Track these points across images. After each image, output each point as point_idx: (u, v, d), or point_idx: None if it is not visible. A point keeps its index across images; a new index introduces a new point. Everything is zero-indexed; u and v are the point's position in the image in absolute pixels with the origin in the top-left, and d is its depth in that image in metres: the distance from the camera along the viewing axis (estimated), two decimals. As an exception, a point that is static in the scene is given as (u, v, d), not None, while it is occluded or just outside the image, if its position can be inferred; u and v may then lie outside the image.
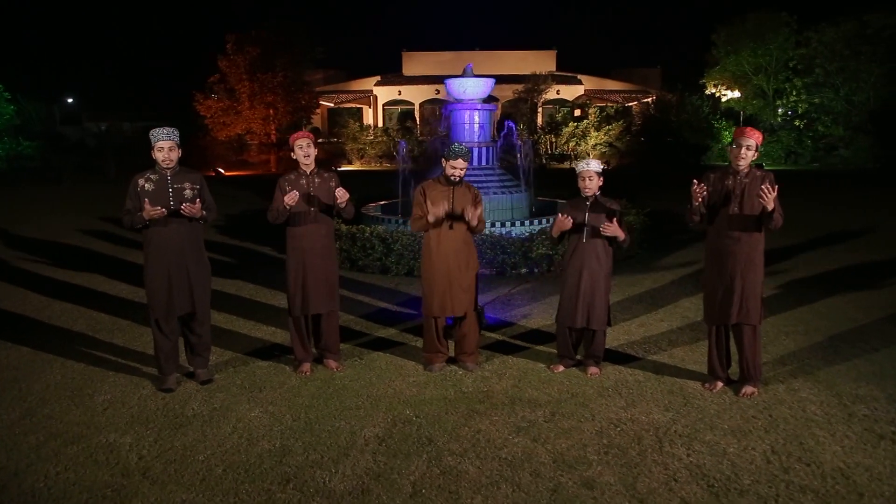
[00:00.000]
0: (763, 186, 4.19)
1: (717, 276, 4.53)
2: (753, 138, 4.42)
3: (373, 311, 6.72)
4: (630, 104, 34.86)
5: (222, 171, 24.73)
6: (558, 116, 31.42)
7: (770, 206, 4.19)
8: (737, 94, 31.94)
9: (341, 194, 4.74)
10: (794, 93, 27.86)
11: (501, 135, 10.00)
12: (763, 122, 31.37)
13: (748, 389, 4.56)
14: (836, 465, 3.64)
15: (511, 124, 9.98)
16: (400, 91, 37.04)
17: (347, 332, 5.85)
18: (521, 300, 7.12)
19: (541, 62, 36.66)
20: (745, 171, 4.43)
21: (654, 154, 28.89)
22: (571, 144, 30.24)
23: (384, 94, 37.35)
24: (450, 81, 10.32)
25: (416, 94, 37.00)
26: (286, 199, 4.67)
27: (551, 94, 33.80)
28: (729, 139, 30.09)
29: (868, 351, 5.40)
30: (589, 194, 4.87)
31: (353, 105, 37.44)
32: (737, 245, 4.42)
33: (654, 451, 3.81)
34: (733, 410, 4.32)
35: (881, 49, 25.43)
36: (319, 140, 31.94)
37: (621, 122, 30.35)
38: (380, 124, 35.42)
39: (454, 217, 4.84)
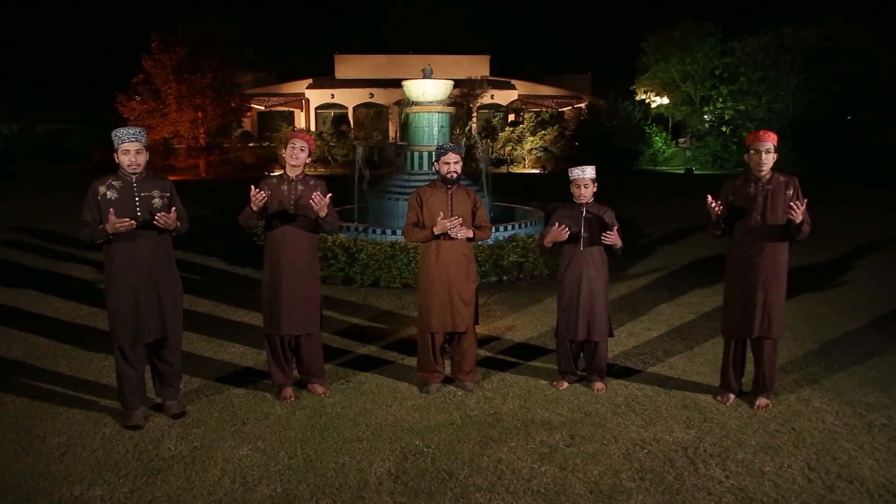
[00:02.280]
0: (793, 203, 4.03)
1: (739, 289, 4.34)
2: (770, 140, 4.25)
3: (346, 326, 6.26)
4: (563, 109, 35.36)
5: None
6: (494, 121, 31.50)
7: (799, 219, 4.03)
8: (666, 100, 32.89)
9: (318, 200, 4.24)
10: (721, 100, 28.86)
11: (464, 138, 9.68)
12: (691, 128, 32.47)
13: (762, 402, 4.41)
14: (878, 481, 3.49)
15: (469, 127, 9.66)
16: (333, 94, 36.28)
17: (325, 351, 5.34)
18: (499, 311, 6.82)
19: (475, 67, 36.62)
20: (768, 176, 4.25)
21: (588, 159, 29.32)
22: (508, 149, 30.33)
23: (316, 97, 36.49)
24: (408, 83, 9.94)
25: (349, 98, 36.34)
26: (253, 199, 4.18)
27: (486, 98, 33.83)
28: (660, 144, 31.00)
29: (861, 357, 5.38)
30: (584, 202, 4.62)
31: (285, 108, 36.39)
32: (760, 256, 4.24)
33: (690, 474, 3.56)
34: (755, 425, 4.14)
35: (798, 59, 26.67)
36: (250, 144, 30.87)
37: (556, 126, 30.68)
38: (312, 128, 34.54)
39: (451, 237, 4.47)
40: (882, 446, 3.87)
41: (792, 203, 4.04)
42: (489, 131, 30.71)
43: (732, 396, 4.51)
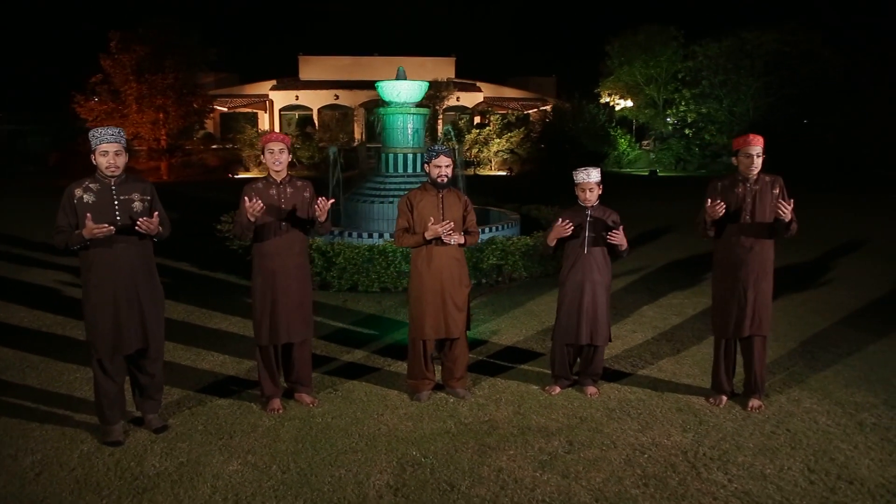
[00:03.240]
0: (780, 202, 4.07)
1: (729, 288, 4.35)
2: (759, 144, 4.28)
3: (329, 332, 6.10)
4: (528, 112, 35.54)
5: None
6: (461, 123, 31.49)
7: (788, 218, 4.07)
8: (629, 103, 33.32)
9: (322, 205, 4.13)
10: (683, 103, 29.35)
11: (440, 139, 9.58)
12: (654, 131, 32.96)
13: (755, 403, 4.42)
14: (877, 481, 3.50)
15: (448, 129, 9.57)
16: (297, 96, 35.79)
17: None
18: (482, 315, 6.73)
19: (440, 69, 36.53)
20: (755, 177, 4.29)
21: (554, 160, 29.51)
22: (474, 151, 30.35)
23: (281, 98, 35.95)
24: (383, 84, 9.80)
25: (314, 100, 35.89)
26: (249, 208, 4.01)
27: (452, 100, 33.79)
28: (625, 146, 31.36)
29: (842, 356, 5.44)
30: (589, 205, 4.57)
31: (248, 110, 35.76)
32: (749, 254, 4.27)
33: (693, 479, 3.53)
34: (750, 427, 4.14)
35: (758, 64, 27.31)
36: (213, 146, 30.23)
37: (522, 129, 30.80)
38: (276, 130, 34.03)
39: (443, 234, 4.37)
40: (876, 446, 3.89)
41: (780, 203, 4.08)
42: (456, 133, 30.67)
43: (725, 398, 4.51)
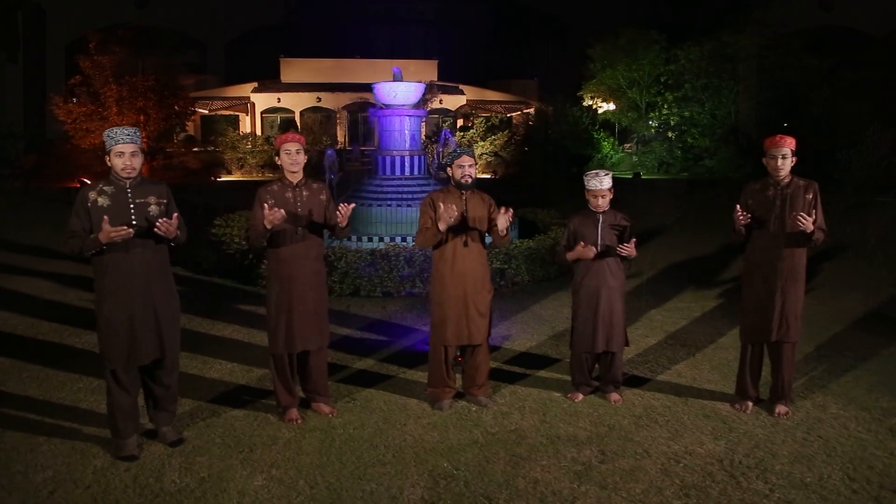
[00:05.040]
0: (799, 215, 4.00)
1: (757, 292, 4.29)
2: (787, 145, 4.20)
3: (336, 339, 5.91)
4: (511, 114, 35.54)
5: (87, 181, 22.16)
6: (444, 126, 31.38)
7: (809, 229, 4.01)
8: (612, 106, 33.45)
9: (345, 212, 4.01)
10: (666, 106, 29.51)
11: (439, 143, 9.48)
12: (637, 134, 33.14)
13: (782, 409, 4.35)
14: (919, 489, 3.45)
15: (447, 132, 9.47)
16: (279, 98, 35.41)
17: (322, 367, 5.06)
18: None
19: (422, 71, 36.29)
20: (787, 180, 4.21)
21: (538, 163, 29.51)
22: (459, 154, 30.20)
23: (262, 101, 35.54)
24: (379, 86, 9.65)
25: (296, 102, 35.53)
26: (268, 216, 3.85)
27: (435, 103, 33.69)
28: (608, 149, 31.49)
29: (859, 360, 5.42)
30: (601, 211, 4.48)
31: (230, 112, 35.32)
32: (779, 259, 4.20)
33: (734, 489, 3.45)
34: (781, 434, 4.07)
35: (739, 67, 27.59)
36: (195, 148, 29.79)
37: (506, 132, 30.77)
38: (258, 132, 33.63)
39: (468, 228, 4.25)
40: (911, 452, 3.85)
41: (798, 215, 4.02)
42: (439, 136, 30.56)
43: (751, 404, 4.44)
